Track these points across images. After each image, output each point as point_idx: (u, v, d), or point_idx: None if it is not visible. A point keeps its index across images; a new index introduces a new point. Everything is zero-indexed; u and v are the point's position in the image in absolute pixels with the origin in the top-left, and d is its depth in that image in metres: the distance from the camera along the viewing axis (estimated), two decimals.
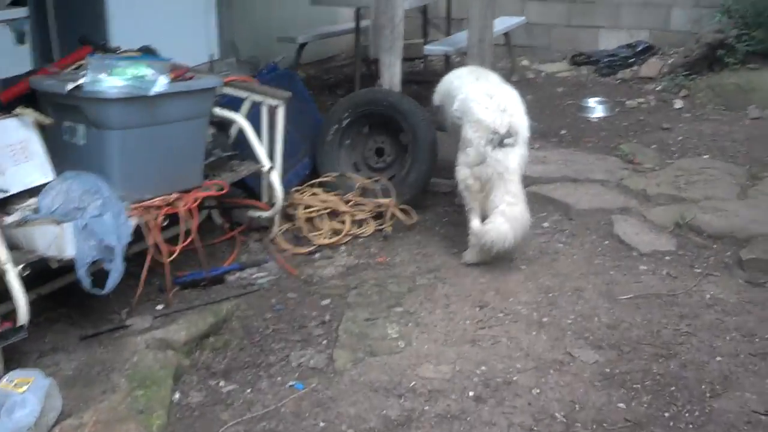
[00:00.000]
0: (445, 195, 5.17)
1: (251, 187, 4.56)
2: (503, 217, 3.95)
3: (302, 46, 7.21)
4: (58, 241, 3.11)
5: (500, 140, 3.93)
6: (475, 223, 4.12)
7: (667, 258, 4.25)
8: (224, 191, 3.91)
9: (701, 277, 4.04)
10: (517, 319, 3.71)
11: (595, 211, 4.76)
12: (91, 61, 3.25)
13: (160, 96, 3.30)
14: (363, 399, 3.13)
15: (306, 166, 5.01)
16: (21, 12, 4.34)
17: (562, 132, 6.38)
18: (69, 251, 3.14)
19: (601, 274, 4.12)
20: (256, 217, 4.40)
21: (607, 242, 4.46)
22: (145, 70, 3.20)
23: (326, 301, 3.92)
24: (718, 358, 3.35)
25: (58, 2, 4.77)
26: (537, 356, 3.41)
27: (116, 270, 3.28)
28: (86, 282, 3.22)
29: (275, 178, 4.23)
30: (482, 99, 4.03)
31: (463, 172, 4.10)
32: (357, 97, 5.04)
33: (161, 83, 3.23)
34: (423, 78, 7.48)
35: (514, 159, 3.97)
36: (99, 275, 3.34)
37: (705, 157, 5.64)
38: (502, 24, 7.62)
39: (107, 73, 3.16)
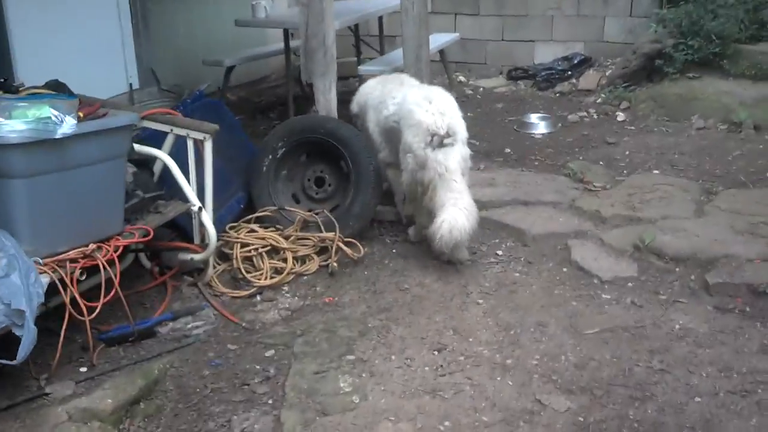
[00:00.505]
0: (392, 224, 4.87)
1: (182, 227, 4.17)
2: (454, 207, 4.01)
3: (230, 69, 6.82)
4: None
5: (440, 141, 4.02)
6: (426, 223, 4.24)
7: (629, 284, 4.03)
8: (149, 237, 3.51)
9: (668, 305, 3.82)
10: (479, 362, 3.42)
11: (550, 235, 4.53)
12: None
13: (68, 138, 2.89)
14: None
15: (240, 200, 4.64)
16: None
17: (507, 150, 6.16)
18: None
19: (562, 306, 3.87)
20: (188, 260, 4.00)
21: (565, 269, 4.22)
22: (48, 111, 2.79)
23: (270, 352, 3.56)
24: (697, 399, 3.11)
25: None
26: (504, 406, 3.12)
27: (28, 336, 2.87)
28: None
29: (206, 218, 3.86)
30: (422, 103, 4.14)
31: (405, 178, 4.25)
32: (292, 125, 4.70)
33: (68, 124, 2.83)
34: None
35: (453, 158, 4.06)
36: (11, 340, 2.92)
37: (655, 172, 5.48)
38: (436, 41, 7.35)
39: (6, 115, 2.74)
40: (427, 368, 3.39)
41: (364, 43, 8.26)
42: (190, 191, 3.82)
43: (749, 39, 7.05)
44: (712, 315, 3.73)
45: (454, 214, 3.99)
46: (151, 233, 3.55)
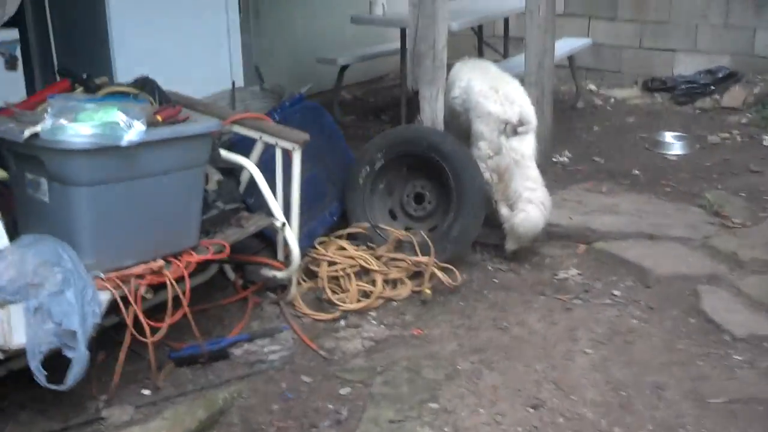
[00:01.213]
0: (496, 248, 4.43)
1: (269, 237, 3.90)
2: (531, 204, 4.06)
3: (344, 68, 6.57)
4: (3, 326, 2.49)
5: (513, 130, 4.09)
6: (504, 211, 4.21)
7: (765, 345, 3.44)
8: (224, 253, 3.25)
9: None
10: (581, 428, 2.96)
11: (676, 278, 3.97)
12: (53, 103, 2.61)
13: (137, 145, 2.64)
14: None
15: (334, 212, 4.33)
16: (10, 34, 3.79)
17: (635, 172, 5.57)
18: (17, 339, 2.52)
19: (686, 366, 3.33)
20: (271, 277, 3.73)
21: (692, 320, 3.66)
22: (117, 115, 2.55)
23: (346, 390, 3.22)
24: None
25: (58, 24, 4.22)
26: None
27: (79, 360, 2.65)
28: (41, 376, 2.60)
29: (290, 235, 3.56)
30: (489, 93, 4.20)
31: (480, 166, 4.18)
32: (393, 135, 4.34)
33: (136, 130, 2.57)
34: None
35: (528, 146, 4.11)
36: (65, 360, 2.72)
37: None
38: (565, 46, 6.85)
39: (71, 118, 2.52)
40: (519, 429, 2.96)
41: (487, 45, 7.80)
42: (274, 204, 3.54)
43: None
44: None
45: (534, 215, 4.10)
46: (228, 249, 3.28)
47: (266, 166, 3.68)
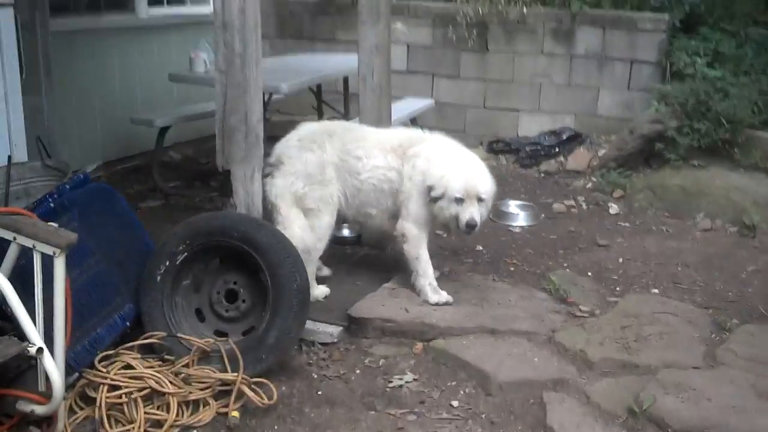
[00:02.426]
0: (325, 348, 3.86)
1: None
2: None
3: (164, 129, 5.87)
4: None
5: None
6: None
7: None
8: None
9: None
10: None
11: (521, 384, 3.51)
12: None
13: None
14: None
15: (126, 316, 3.61)
16: None
17: (478, 248, 5.16)
18: None
19: None
20: (29, 412, 2.96)
21: None
22: None
23: None
24: None
25: None
26: None
27: None
28: None
29: (49, 363, 2.82)
30: None
31: None
32: (196, 225, 3.67)
33: None
34: None
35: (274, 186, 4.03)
36: None
37: (655, 291, 4.50)
38: (407, 108, 6.48)
39: None
40: None
41: (327, 104, 7.32)
42: (29, 325, 2.80)
43: (764, 124, 6.15)
44: None
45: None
46: None
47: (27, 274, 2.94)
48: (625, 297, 4.38)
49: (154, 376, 3.26)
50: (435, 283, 4.13)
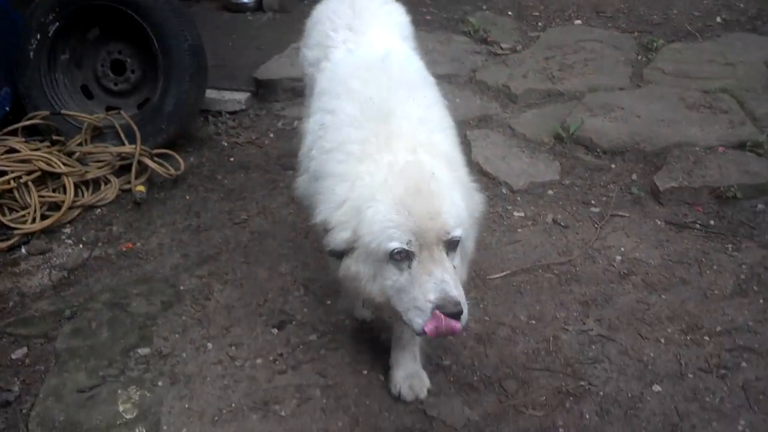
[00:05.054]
0: (234, 116, 3.59)
1: None
2: None
3: None
4: None
5: None
6: None
7: (550, 193, 2.93)
8: None
9: (603, 221, 2.74)
10: (338, 344, 2.30)
11: None
12: None
13: None
14: None
15: (5, 100, 3.25)
16: None
17: None
18: None
19: None
20: None
21: None
22: None
23: (20, 352, 2.34)
24: (656, 387, 2.10)
25: None
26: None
27: None
28: None
29: None
30: None
31: None
32: None
33: None
34: None
35: None
36: None
37: (578, 22, 4.27)
38: None
39: None
40: (259, 360, 2.26)
41: None
42: None
43: None
44: (664, 235, 2.68)
45: None
46: None
47: None
48: (547, 31, 4.15)
49: (44, 157, 2.96)
50: None
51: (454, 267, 1.81)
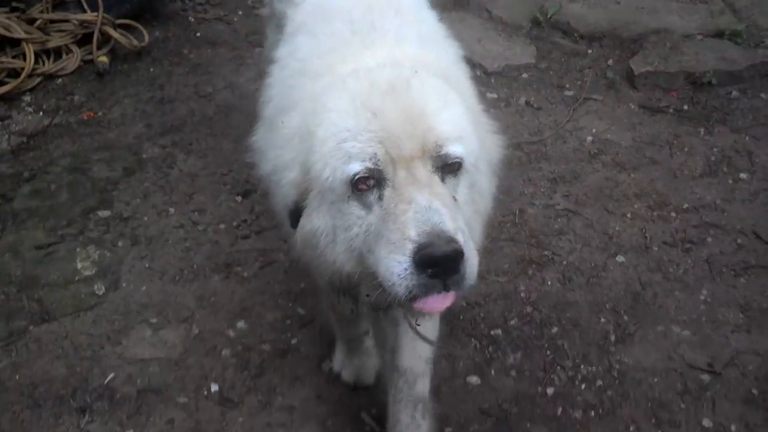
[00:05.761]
0: None
1: None
2: None
3: None
4: None
5: None
6: None
7: (525, 76, 2.88)
8: None
9: (576, 104, 2.70)
10: None
11: None
12: None
13: None
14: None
15: None
16: None
17: None
18: None
19: None
20: None
21: None
22: None
23: None
24: (619, 258, 2.10)
25: None
26: None
27: None
28: None
29: None
30: None
31: None
32: None
33: None
34: None
35: None
36: None
37: None
38: None
39: None
40: (222, 226, 2.23)
41: None
42: None
43: None
44: (637, 118, 2.66)
45: None
46: None
47: None
48: None
49: (3, 22, 2.83)
50: None
51: (455, 200, 1.26)
